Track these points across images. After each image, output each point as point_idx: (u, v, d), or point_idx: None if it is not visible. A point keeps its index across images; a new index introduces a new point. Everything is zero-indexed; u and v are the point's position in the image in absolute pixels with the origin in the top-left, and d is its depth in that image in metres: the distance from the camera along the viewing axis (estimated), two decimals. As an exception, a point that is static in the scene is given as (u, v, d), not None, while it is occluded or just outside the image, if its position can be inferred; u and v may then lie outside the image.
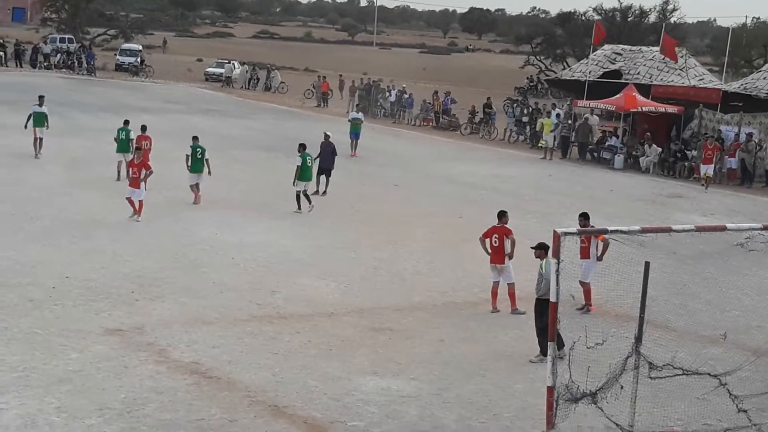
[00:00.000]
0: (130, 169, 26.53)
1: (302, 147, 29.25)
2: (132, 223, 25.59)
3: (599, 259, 19.67)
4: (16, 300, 18.43)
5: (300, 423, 13.77)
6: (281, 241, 24.88)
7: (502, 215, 20.28)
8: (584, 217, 20.25)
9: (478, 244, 20.24)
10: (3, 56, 79.30)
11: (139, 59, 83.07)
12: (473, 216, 29.08)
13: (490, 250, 19.98)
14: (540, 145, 47.80)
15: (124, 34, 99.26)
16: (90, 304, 18.56)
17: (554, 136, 47.02)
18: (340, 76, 71.77)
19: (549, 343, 13.77)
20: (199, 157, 29.13)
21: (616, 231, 14.19)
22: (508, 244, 19.87)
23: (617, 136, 46.63)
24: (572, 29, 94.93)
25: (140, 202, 26.08)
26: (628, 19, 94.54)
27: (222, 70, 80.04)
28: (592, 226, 19.93)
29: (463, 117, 56.80)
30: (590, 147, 46.76)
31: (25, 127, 35.56)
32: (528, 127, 52.12)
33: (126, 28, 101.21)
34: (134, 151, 27.44)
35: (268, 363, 16.07)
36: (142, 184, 26.00)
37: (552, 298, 13.71)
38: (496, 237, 19.93)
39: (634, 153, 45.05)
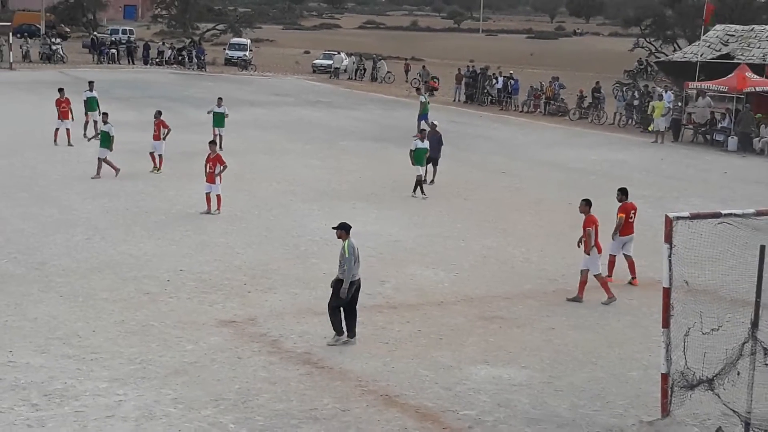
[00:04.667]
0: (207, 164, 26.22)
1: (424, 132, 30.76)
2: (244, 216, 25.82)
3: (612, 237, 20.48)
4: (132, 293, 18.84)
5: (412, 412, 13.82)
6: (390, 230, 24.95)
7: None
8: (622, 193, 20.80)
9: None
10: (116, 53, 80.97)
11: (247, 53, 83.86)
12: (583, 202, 28.77)
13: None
14: (650, 128, 47.07)
15: (232, 28, 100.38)
16: (204, 296, 18.88)
17: (665, 119, 46.30)
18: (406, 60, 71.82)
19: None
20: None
21: (730, 214, 13.92)
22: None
23: (730, 118, 45.63)
24: (682, 10, 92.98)
25: (218, 196, 26.06)
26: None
27: (330, 62, 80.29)
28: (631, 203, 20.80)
29: (572, 102, 56.20)
30: (702, 129, 45.94)
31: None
32: (637, 111, 51.33)
33: (234, 23, 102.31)
34: (210, 145, 27.49)
35: (379, 352, 16.17)
36: (217, 179, 25.97)
37: (665, 284, 13.56)
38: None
39: (748, 135, 44.04)
